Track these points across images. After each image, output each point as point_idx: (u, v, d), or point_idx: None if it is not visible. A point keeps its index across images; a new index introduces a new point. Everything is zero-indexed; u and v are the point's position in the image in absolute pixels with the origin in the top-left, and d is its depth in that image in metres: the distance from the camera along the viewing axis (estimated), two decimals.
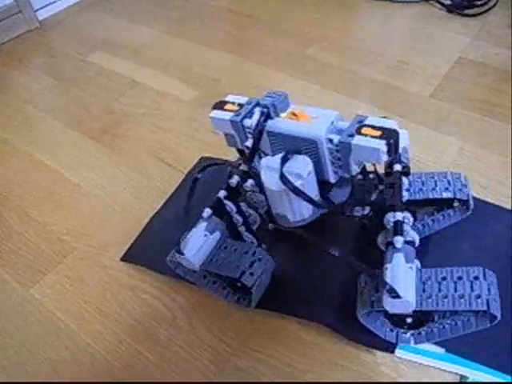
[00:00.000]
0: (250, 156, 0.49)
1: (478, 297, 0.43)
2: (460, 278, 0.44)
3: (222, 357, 0.52)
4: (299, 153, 0.46)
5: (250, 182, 0.52)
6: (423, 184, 0.53)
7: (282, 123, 0.47)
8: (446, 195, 0.51)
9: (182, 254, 0.48)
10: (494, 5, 1.07)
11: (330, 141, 0.44)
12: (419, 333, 0.50)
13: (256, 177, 0.50)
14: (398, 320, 0.49)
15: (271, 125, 0.47)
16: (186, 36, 1.05)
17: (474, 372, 0.49)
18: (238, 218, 0.53)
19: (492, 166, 0.70)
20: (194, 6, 1.16)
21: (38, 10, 1.16)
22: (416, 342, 0.50)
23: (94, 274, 0.61)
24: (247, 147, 0.50)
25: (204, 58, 0.98)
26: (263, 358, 0.52)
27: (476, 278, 0.44)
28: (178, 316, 0.56)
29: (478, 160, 0.71)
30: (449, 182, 0.52)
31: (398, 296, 0.42)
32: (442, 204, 0.55)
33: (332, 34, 1.04)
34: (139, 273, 0.60)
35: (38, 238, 0.66)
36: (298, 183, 0.44)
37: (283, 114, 0.47)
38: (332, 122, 0.45)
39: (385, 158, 0.43)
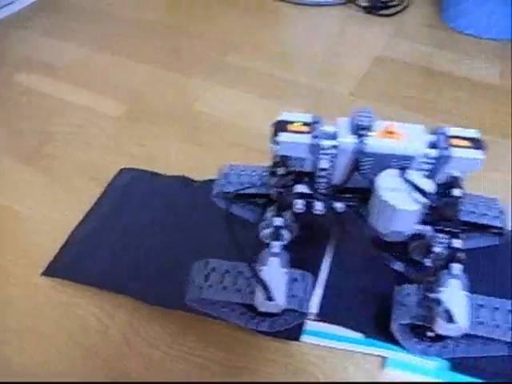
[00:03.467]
0: (347, 179, 0.48)
1: (497, 326, 0.46)
2: (496, 309, 0.47)
3: (154, 363, 0.53)
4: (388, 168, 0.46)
5: (320, 205, 0.49)
6: (475, 206, 0.54)
7: (382, 142, 0.45)
8: (495, 223, 0.53)
9: (273, 300, 0.45)
10: (408, 5, 1.13)
11: (425, 155, 0.46)
12: (431, 346, 0.52)
13: (324, 199, 0.49)
14: (419, 332, 0.51)
15: (371, 145, 0.45)
16: (113, 51, 1.03)
17: (394, 353, 0.53)
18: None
19: None
20: (121, 22, 1.16)
21: None
22: (438, 355, 0.52)
23: (21, 293, 0.60)
24: (322, 169, 0.48)
25: (130, 72, 0.97)
26: (199, 360, 0.53)
27: (510, 311, 0.47)
28: (110, 325, 0.56)
29: None
30: (499, 209, 0.54)
31: (453, 321, 0.44)
32: (483, 228, 0.56)
33: (254, 39, 1.06)
34: (72, 289, 0.61)
35: None
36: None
37: (374, 133, 0.45)
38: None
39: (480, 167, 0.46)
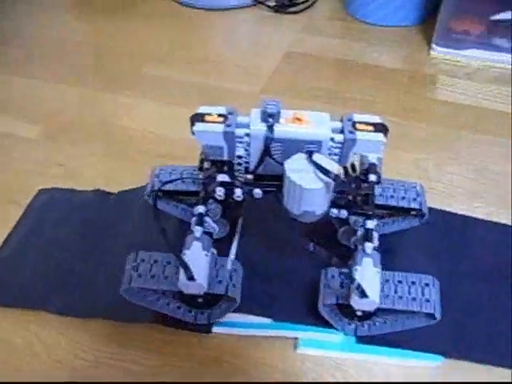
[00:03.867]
0: (258, 165, 0.51)
1: (428, 301, 0.50)
2: (413, 283, 0.51)
3: (78, 371, 0.55)
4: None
5: (239, 191, 0.52)
6: (394, 191, 0.58)
7: (290, 128, 0.49)
8: (413, 205, 0.57)
9: (194, 279, 0.47)
10: (315, 1, 1.18)
11: (332, 139, 0.49)
12: (362, 325, 0.55)
13: (244, 185, 0.52)
14: (349, 312, 0.54)
15: (279, 131, 0.49)
16: (29, 74, 1.03)
17: (303, 333, 0.56)
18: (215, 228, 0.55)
19: None
20: (37, 43, 1.16)
21: None
22: (361, 333, 0.55)
23: None
24: (239, 156, 0.52)
25: (46, 93, 0.97)
26: (122, 364, 0.55)
27: (427, 284, 0.51)
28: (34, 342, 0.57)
29: None
30: (417, 193, 0.58)
31: (366, 296, 0.47)
32: (403, 211, 0.60)
33: (167, 47, 1.08)
34: None
35: None
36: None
37: (282, 120, 0.49)
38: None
39: (383, 149, 0.50)
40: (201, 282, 0.48)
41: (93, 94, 0.97)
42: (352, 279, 0.48)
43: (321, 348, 0.55)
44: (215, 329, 0.56)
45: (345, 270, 0.50)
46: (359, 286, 0.47)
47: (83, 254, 0.64)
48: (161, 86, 0.97)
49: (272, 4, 1.18)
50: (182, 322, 0.56)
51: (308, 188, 0.46)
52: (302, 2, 1.19)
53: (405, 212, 0.60)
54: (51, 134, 0.87)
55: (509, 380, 0.53)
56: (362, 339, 0.55)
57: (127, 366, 0.55)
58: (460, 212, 0.70)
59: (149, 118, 0.89)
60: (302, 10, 1.18)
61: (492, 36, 0.99)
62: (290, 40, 1.09)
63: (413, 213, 0.60)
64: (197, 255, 0.49)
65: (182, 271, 0.47)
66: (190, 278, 0.47)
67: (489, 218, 0.69)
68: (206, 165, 0.53)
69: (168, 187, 0.58)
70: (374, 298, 0.47)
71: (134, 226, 0.67)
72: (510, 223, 0.68)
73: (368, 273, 0.49)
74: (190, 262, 0.48)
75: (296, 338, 0.56)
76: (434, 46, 1.03)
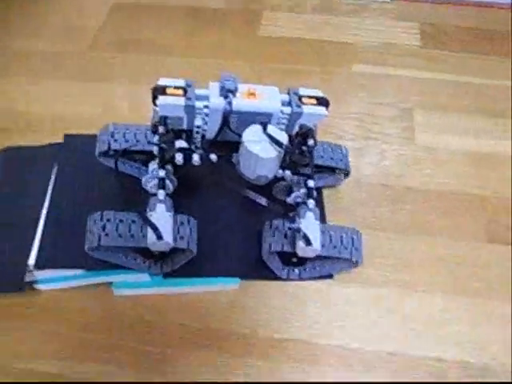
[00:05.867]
0: (217, 134, 0.57)
1: (356, 249, 0.60)
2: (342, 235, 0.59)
3: None
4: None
5: (196, 157, 0.56)
6: (324, 151, 0.65)
7: (245, 102, 0.55)
8: (339, 165, 0.66)
9: (162, 238, 0.51)
10: None
11: (281, 111, 0.56)
12: (304, 269, 0.63)
13: (201, 152, 0.56)
14: (286, 260, 0.62)
15: (237, 105, 0.54)
16: None
17: (114, 277, 0.61)
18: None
19: None
20: None
21: None
22: (301, 276, 0.63)
23: None
24: (197, 126, 0.57)
25: None
26: None
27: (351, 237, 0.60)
28: None
29: None
30: (343, 154, 0.66)
31: (310, 244, 0.54)
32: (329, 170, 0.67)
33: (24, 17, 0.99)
34: None
35: None
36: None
37: (239, 94, 0.55)
38: None
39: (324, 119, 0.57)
40: (168, 241, 0.53)
41: None
42: (298, 229, 0.55)
43: (134, 288, 0.61)
44: (39, 286, 0.61)
45: (292, 224, 0.56)
46: (305, 236, 0.54)
47: None
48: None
49: None
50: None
51: (264, 157, 0.53)
52: None
53: (332, 171, 0.68)
54: None
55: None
56: (168, 274, 0.61)
57: None
58: None
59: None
60: None
61: None
62: None
63: (339, 172, 0.68)
64: (162, 216, 0.54)
65: (150, 231, 0.52)
66: (159, 237, 0.52)
67: None
68: (161, 129, 0.57)
69: (115, 147, 0.61)
70: (316, 246, 0.55)
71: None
72: None
73: (311, 225, 0.56)
74: (156, 223, 0.52)
75: (110, 283, 0.62)
76: None
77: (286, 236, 0.58)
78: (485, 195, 0.72)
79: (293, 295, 0.63)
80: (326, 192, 0.71)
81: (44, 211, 0.65)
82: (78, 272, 0.61)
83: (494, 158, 0.77)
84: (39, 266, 0.61)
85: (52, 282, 0.61)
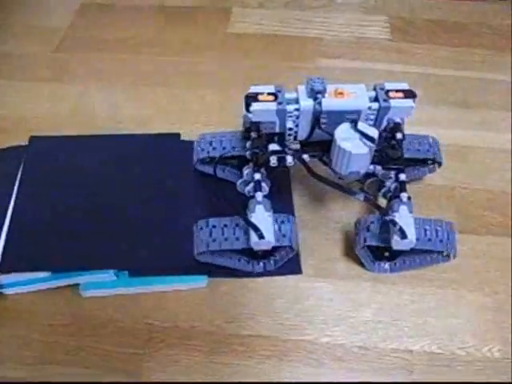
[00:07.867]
0: (309, 135, 0.59)
1: (441, 241, 0.59)
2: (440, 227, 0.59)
3: None
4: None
5: (290, 158, 0.59)
6: (410, 144, 0.65)
7: (334, 101, 0.57)
8: (428, 156, 0.67)
9: (264, 237, 0.54)
10: None
11: (369, 107, 0.57)
12: (395, 264, 0.64)
13: (295, 152, 0.59)
14: (378, 254, 0.63)
15: (326, 105, 0.56)
16: None
17: (80, 278, 0.61)
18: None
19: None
20: None
21: None
22: (392, 271, 0.64)
23: None
24: (289, 128, 0.59)
25: None
26: None
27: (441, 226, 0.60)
28: None
29: None
30: (430, 145, 0.67)
31: (406, 237, 0.55)
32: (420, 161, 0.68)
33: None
34: None
35: None
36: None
37: (327, 95, 0.57)
38: None
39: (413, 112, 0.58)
40: (269, 240, 0.55)
41: None
42: (394, 223, 0.56)
43: (101, 288, 0.61)
44: (5, 290, 0.61)
45: (386, 217, 0.57)
46: (401, 229, 0.55)
47: None
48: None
49: None
50: None
51: (356, 153, 0.54)
52: None
53: (421, 162, 0.69)
54: None
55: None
56: (134, 273, 0.62)
57: None
58: None
59: None
60: None
61: None
62: None
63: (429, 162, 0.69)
64: (261, 217, 0.56)
65: (252, 232, 0.55)
66: (261, 237, 0.54)
67: None
68: (254, 134, 0.60)
69: (214, 154, 0.65)
70: (412, 239, 0.56)
71: None
72: None
73: (405, 218, 0.57)
74: (257, 223, 0.55)
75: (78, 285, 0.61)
76: None
77: (380, 231, 0.59)
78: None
79: (261, 292, 0.62)
80: None
81: (8, 214, 0.65)
82: (44, 275, 0.60)
83: (466, 149, 0.78)
84: (4, 270, 0.60)
85: (18, 285, 0.61)
